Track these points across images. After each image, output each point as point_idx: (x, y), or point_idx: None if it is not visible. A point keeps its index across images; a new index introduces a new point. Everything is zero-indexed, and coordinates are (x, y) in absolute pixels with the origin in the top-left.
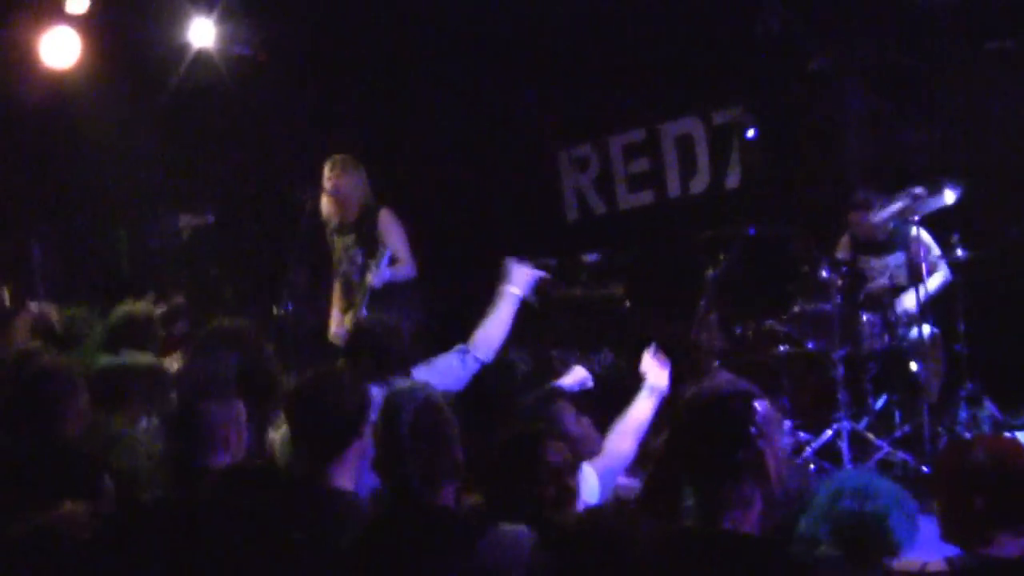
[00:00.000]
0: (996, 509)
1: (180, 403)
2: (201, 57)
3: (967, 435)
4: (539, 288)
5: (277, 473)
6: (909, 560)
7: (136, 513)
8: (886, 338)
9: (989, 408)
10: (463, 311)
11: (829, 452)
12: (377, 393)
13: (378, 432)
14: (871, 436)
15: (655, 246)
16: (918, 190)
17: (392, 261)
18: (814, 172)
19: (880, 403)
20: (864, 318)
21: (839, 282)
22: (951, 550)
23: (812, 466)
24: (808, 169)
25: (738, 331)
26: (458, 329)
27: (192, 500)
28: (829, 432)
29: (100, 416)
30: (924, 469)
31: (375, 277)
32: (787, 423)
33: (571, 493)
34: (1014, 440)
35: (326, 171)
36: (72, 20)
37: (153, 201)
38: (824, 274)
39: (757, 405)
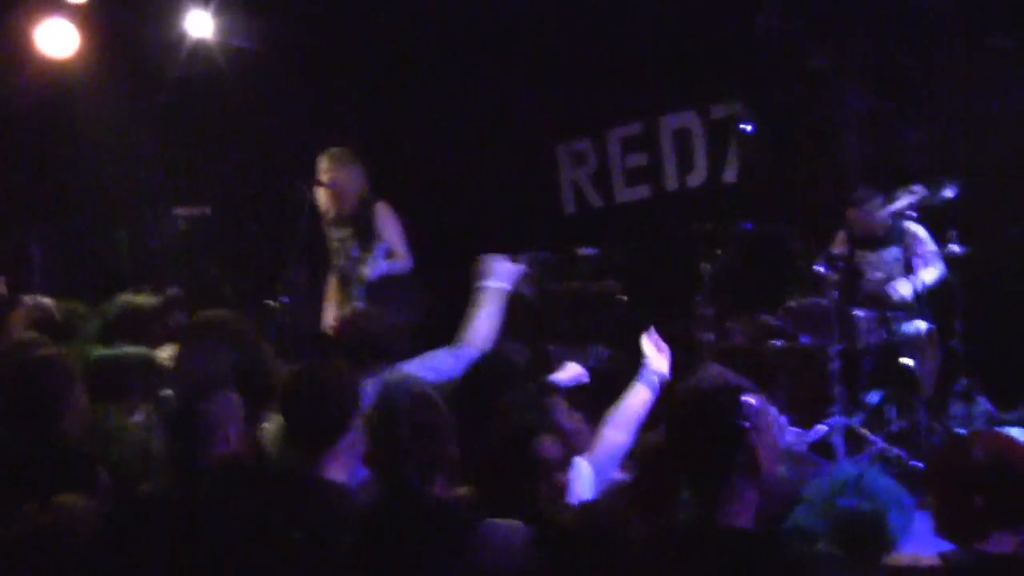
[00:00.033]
0: (993, 506)
1: (180, 401)
2: (199, 49)
3: (961, 431)
4: (535, 282)
5: (270, 466)
6: (902, 554)
7: (134, 508)
8: (881, 333)
9: (983, 404)
10: (460, 304)
11: (823, 447)
12: (368, 385)
13: (373, 424)
14: (865, 431)
15: (652, 240)
16: (917, 188)
17: (388, 254)
18: (812, 169)
19: (875, 398)
20: (859, 313)
21: (834, 277)
22: (944, 544)
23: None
24: (806, 166)
25: (733, 326)
26: (455, 322)
27: (189, 494)
28: (824, 427)
29: (95, 409)
30: (918, 464)
31: (370, 270)
32: (783, 418)
33: (563, 488)
34: (1012, 437)
35: (322, 164)
36: (69, 11)
37: (150, 194)
38: (820, 269)
39: (748, 399)
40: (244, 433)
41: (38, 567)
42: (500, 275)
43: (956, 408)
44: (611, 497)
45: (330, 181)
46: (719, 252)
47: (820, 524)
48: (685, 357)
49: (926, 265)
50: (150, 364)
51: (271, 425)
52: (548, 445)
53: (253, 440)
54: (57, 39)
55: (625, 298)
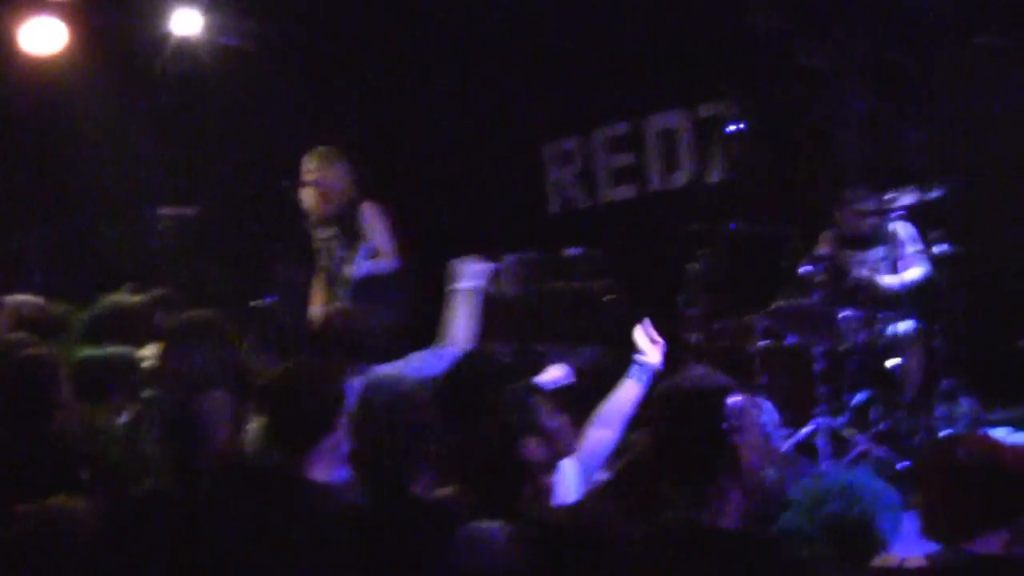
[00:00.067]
0: (979, 507)
1: (176, 400)
2: (186, 47)
3: (946, 431)
4: (520, 282)
5: (256, 465)
6: (889, 555)
7: (132, 507)
8: (866, 334)
9: (966, 404)
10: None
11: (807, 447)
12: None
13: (355, 422)
14: (850, 432)
15: (637, 240)
16: (907, 190)
17: (373, 254)
18: (810, 168)
19: (859, 399)
20: (844, 314)
21: (819, 278)
22: (931, 546)
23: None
24: (804, 165)
25: (719, 326)
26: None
27: (189, 494)
28: (808, 428)
29: (82, 409)
30: (902, 465)
31: (355, 270)
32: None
33: (548, 490)
34: (997, 439)
35: (308, 163)
36: (56, 8)
37: (138, 193)
38: (805, 269)
39: (731, 399)
40: (234, 432)
41: (35, 569)
42: (472, 276)
43: (940, 408)
44: (594, 497)
45: (316, 180)
46: (705, 252)
47: (808, 527)
48: (670, 357)
49: (910, 265)
50: (134, 364)
51: (255, 425)
52: (532, 447)
53: (237, 440)
54: (43, 37)
55: (611, 298)
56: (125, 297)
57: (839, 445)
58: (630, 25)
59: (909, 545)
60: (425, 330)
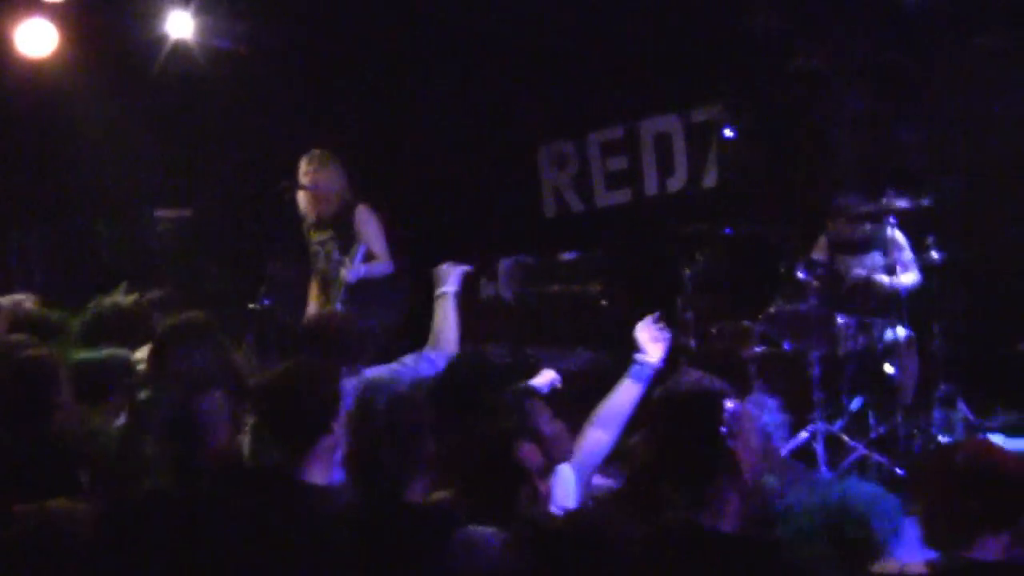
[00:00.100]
0: (978, 513)
1: (175, 401)
2: (180, 49)
3: (941, 437)
4: (516, 285)
5: (253, 467)
6: (890, 562)
7: (133, 508)
8: (862, 339)
9: (962, 410)
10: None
11: (805, 452)
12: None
13: (353, 423)
14: (846, 438)
15: (632, 244)
16: (902, 196)
17: (369, 257)
18: (802, 172)
19: (855, 405)
20: (840, 319)
21: (815, 283)
22: (932, 553)
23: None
24: (796, 169)
25: (715, 330)
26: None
27: (190, 494)
28: (805, 434)
29: (80, 411)
30: (898, 471)
31: (349, 273)
32: (778, 415)
33: (545, 495)
34: (995, 444)
35: (303, 166)
36: (49, 10)
37: (133, 193)
38: (800, 275)
39: (727, 404)
40: (231, 432)
41: (34, 569)
42: (449, 280)
43: (938, 414)
44: (601, 503)
45: (311, 183)
46: (701, 256)
47: (807, 534)
48: (667, 361)
49: (905, 271)
50: (131, 366)
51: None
52: (528, 451)
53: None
54: (36, 39)
55: (606, 302)
56: (121, 298)
57: (837, 450)
58: (625, 28)
59: (910, 552)
60: (420, 333)
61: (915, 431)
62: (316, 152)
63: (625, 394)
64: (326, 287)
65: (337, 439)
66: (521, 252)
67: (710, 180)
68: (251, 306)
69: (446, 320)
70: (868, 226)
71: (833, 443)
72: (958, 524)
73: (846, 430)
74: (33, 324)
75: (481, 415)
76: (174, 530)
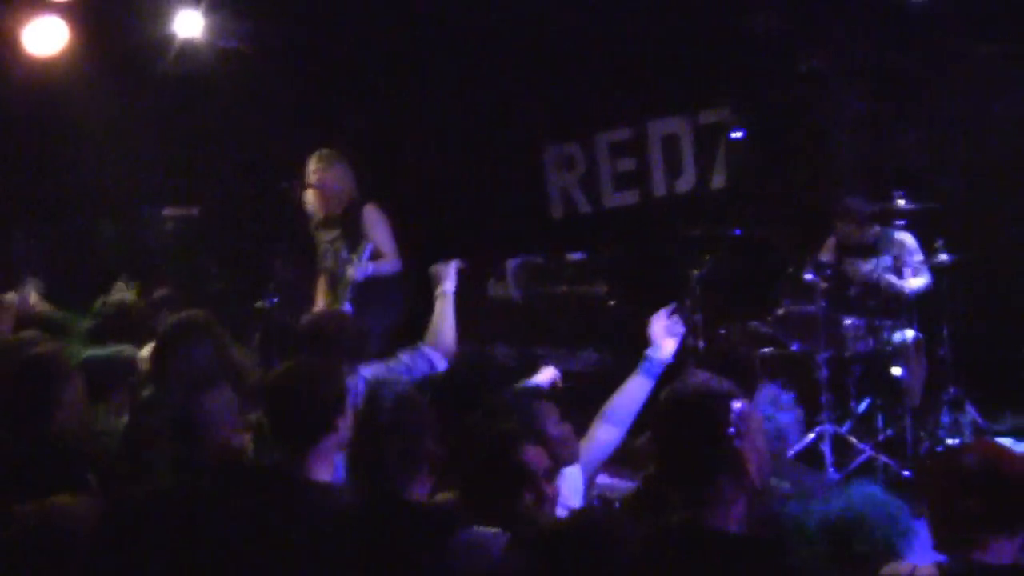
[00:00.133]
0: (987, 514)
1: (174, 402)
2: (188, 48)
3: (949, 440)
4: (523, 286)
5: (255, 465)
6: (900, 564)
7: (136, 505)
8: (870, 341)
9: (971, 413)
10: None
11: (812, 454)
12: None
13: (357, 421)
14: (854, 439)
15: (640, 245)
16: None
17: (375, 255)
18: (806, 173)
19: (863, 406)
20: (848, 321)
21: (823, 285)
22: (942, 556)
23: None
24: (800, 170)
25: (722, 331)
26: None
27: (180, 495)
28: (812, 435)
29: (87, 408)
30: (906, 473)
31: (356, 271)
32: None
33: (551, 498)
34: (1004, 446)
35: (311, 165)
36: (58, 8)
37: (139, 193)
38: (808, 276)
39: (734, 404)
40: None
41: (36, 567)
42: (452, 277)
43: (945, 417)
44: (609, 504)
45: (318, 182)
46: (708, 258)
47: (812, 545)
48: (674, 363)
49: (914, 275)
50: (136, 364)
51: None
52: (533, 454)
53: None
54: (45, 37)
55: (613, 303)
56: (126, 296)
57: (844, 452)
58: (633, 29)
59: (922, 553)
60: (420, 332)
61: (923, 434)
62: (324, 151)
63: (635, 390)
64: (334, 285)
65: (342, 438)
66: (529, 253)
67: (718, 182)
68: (258, 304)
69: (444, 318)
70: (877, 228)
71: (840, 445)
72: (966, 527)
73: (853, 432)
74: (39, 322)
75: (482, 416)
76: (175, 529)
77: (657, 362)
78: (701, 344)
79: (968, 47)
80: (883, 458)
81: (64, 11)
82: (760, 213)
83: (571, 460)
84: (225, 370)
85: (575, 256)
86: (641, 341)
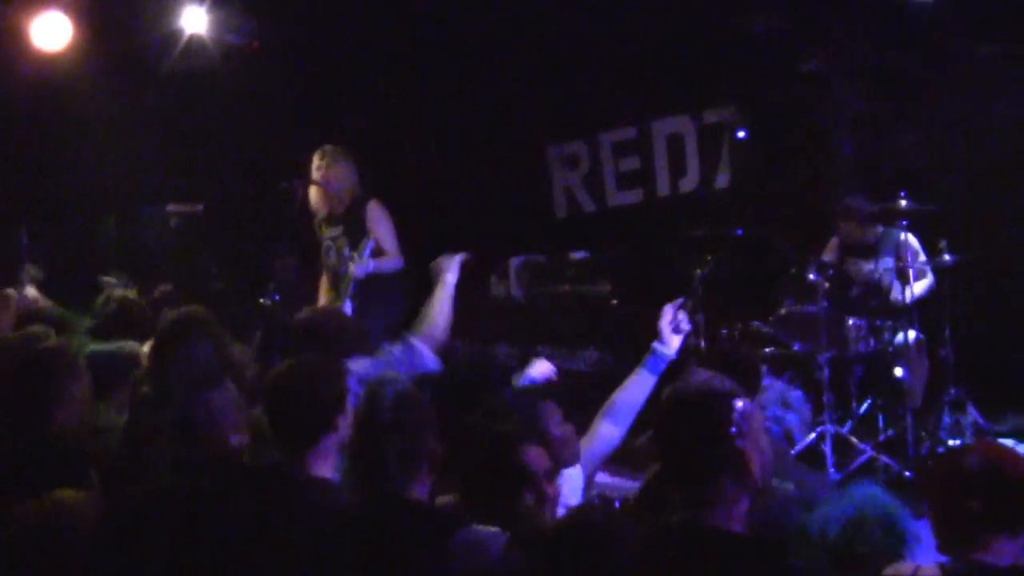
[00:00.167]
0: (989, 515)
1: (174, 401)
2: (193, 44)
3: (950, 441)
4: (526, 285)
5: (256, 464)
6: (903, 564)
7: (125, 507)
8: (872, 342)
9: (972, 414)
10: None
11: (813, 454)
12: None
13: (357, 419)
14: (855, 440)
15: (643, 244)
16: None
17: (377, 252)
18: (806, 173)
19: (864, 407)
20: (850, 321)
21: (826, 285)
22: (944, 556)
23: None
24: (800, 170)
25: (724, 331)
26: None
27: (181, 493)
28: (813, 435)
29: (91, 404)
30: (907, 474)
31: (358, 268)
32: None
33: (552, 499)
34: (1005, 447)
35: (315, 161)
36: (64, 3)
37: (139, 190)
38: (811, 276)
39: (737, 403)
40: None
41: (38, 561)
42: (455, 269)
43: (947, 417)
44: (602, 502)
45: (322, 178)
46: (711, 257)
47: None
48: (675, 363)
49: (917, 277)
50: (139, 360)
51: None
52: (533, 454)
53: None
54: (51, 32)
55: (616, 302)
56: (116, 289)
57: (845, 452)
58: (637, 29)
59: (925, 554)
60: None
61: (924, 434)
62: (328, 148)
63: (638, 386)
64: (336, 283)
65: (342, 437)
66: (532, 251)
67: (722, 181)
68: (261, 301)
69: (440, 308)
70: (880, 228)
71: (841, 445)
72: (968, 528)
73: (855, 432)
74: (42, 318)
75: (482, 416)
76: (175, 529)
77: (662, 357)
78: (703, 344)
79: (968, 47)
80: (884, 458)
81: (69, 6)
82: (762, 213)
83: (572, 461)
84: (223, 368)
85: (578, 255)
86: (642, 341)
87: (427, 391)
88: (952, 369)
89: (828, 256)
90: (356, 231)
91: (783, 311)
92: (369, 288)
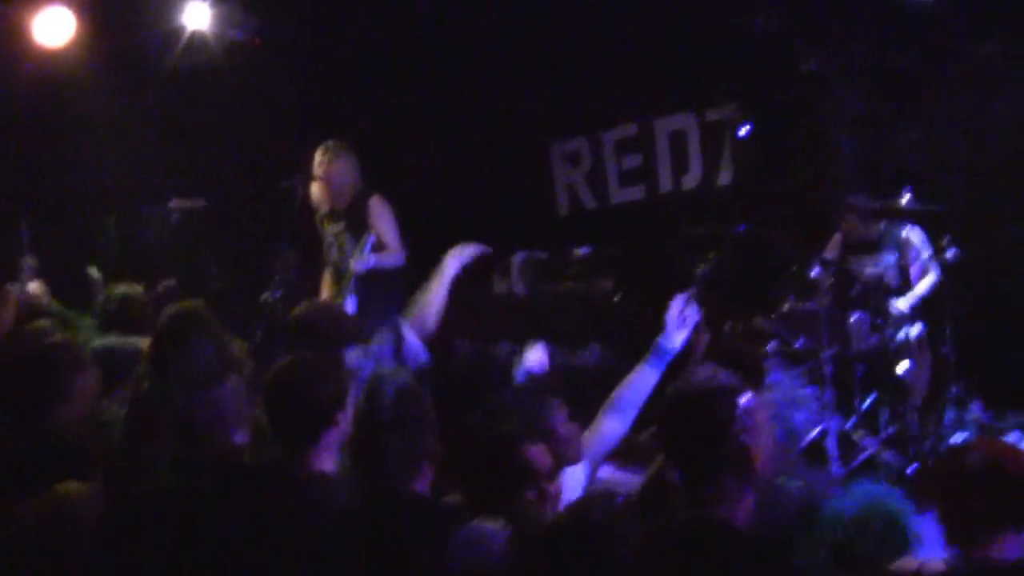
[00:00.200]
0: (992, 511)
1: (179, 401)
2: (195, 41)
3: (954, 436)
4: (528, 282)
5: (256, 462)
6: (907, 560)
7: (140, 500)
8: (874, 338)
9: (975, 410)
10: (449, 303)
11: (816, 450)
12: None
13: (357, 416)
14: (858, 436)
15: (646, 241)
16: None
17: (378, 247)
18: (808, 172)
19: (867, 403)
20: (853, 318)
21: (828, 281)
22: (951, 551)
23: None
24: (802, 169)
25: (727, 328)
26: (444, 320)
27: (181, 492)
28: (816, 431)
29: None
30: (909, 470)
31: (358, 263)
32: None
33: (553, 496)
34: (1008, 443)
35: (317, 157)
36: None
37: (139, 189)
38: (813, 273)
39: (740, 399)
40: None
41: (42, 557)
42: (463, 259)
43: (950, 413)
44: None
45: (324, 174)
46: (713, 255)
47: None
48: (678, 359)
49: (921, 273)
50: (141, 355)
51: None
52: (536, 451)
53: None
54: (53, 27)
55: (618, 299)
56: (99, 279)
57: (848, 448)
58: (640, 26)
59: (931, 548)
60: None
61: (927, 430)
62: (331, 143)
63: (642, 381)
64: (338, 279)
65: (343, 433)
66: (534, 248)
67: (724, 178)
68: (263, 297)
69: (434, 296)
70: (882, 225)
71: (844, 441)
72: (973, 524)
73: (857, 428)
74: (45, 314)
75: (483, 415)
76: (176, 527)
77: (666, 351)
78: (705, 340)
79: (968, 47)
80: (887, 454)
81: (72, 2)
82: (764, 211)
83: (575, 460)
84: (223, 365)
85: (581, 252)
86: (645, 337)
87: (427, 389)
88: (954, 366)
89: (830, 253)
90: (358, 227)
91: (786, 308)
92: (371, 284)
